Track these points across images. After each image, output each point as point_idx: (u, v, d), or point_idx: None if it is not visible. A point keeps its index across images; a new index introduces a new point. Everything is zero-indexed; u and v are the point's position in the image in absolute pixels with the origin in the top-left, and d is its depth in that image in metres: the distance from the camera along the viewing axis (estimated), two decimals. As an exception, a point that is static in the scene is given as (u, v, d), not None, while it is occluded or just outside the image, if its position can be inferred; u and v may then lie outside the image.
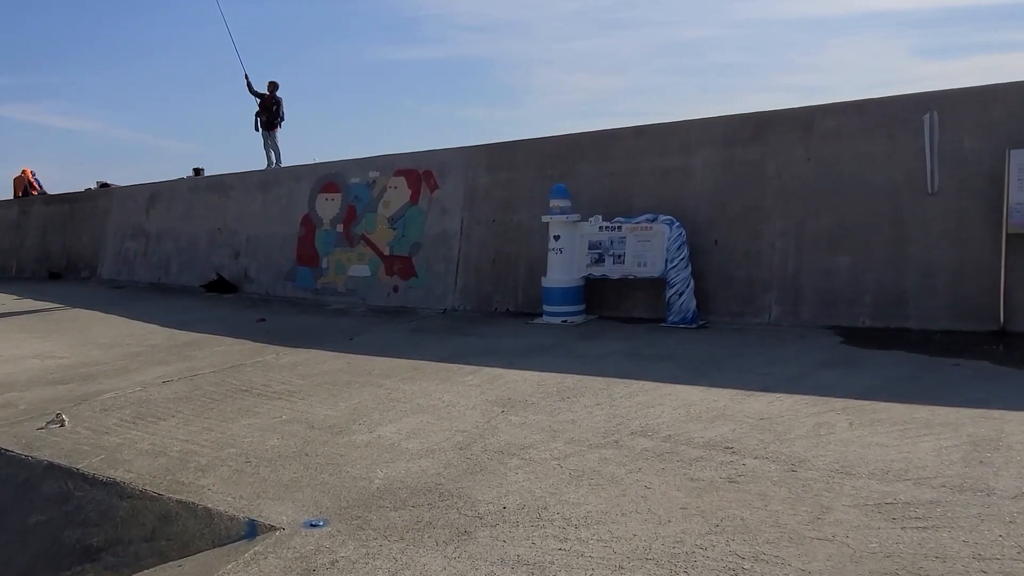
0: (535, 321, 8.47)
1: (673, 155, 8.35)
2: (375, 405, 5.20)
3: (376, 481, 3.74)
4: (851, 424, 4.15)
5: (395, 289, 10.47)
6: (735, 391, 5.00)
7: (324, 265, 11.38)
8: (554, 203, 8.38)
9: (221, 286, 12.34)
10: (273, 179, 12.34)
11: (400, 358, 6.78)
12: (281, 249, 11.97)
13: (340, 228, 11.25)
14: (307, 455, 4.20)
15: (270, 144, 13.15)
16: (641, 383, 5.35)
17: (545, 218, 8.47)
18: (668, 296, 7.77)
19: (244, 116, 13.08)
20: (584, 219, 8.41)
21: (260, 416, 5.08)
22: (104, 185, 16.70)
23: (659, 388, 5.19)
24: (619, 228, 8.17)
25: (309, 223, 11.68)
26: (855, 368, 5.50)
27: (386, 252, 10.64)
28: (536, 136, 9.55)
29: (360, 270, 10.92)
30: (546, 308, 8.42)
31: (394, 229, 10.60)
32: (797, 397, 4.76)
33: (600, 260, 8.26)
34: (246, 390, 5.85)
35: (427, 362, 6.53)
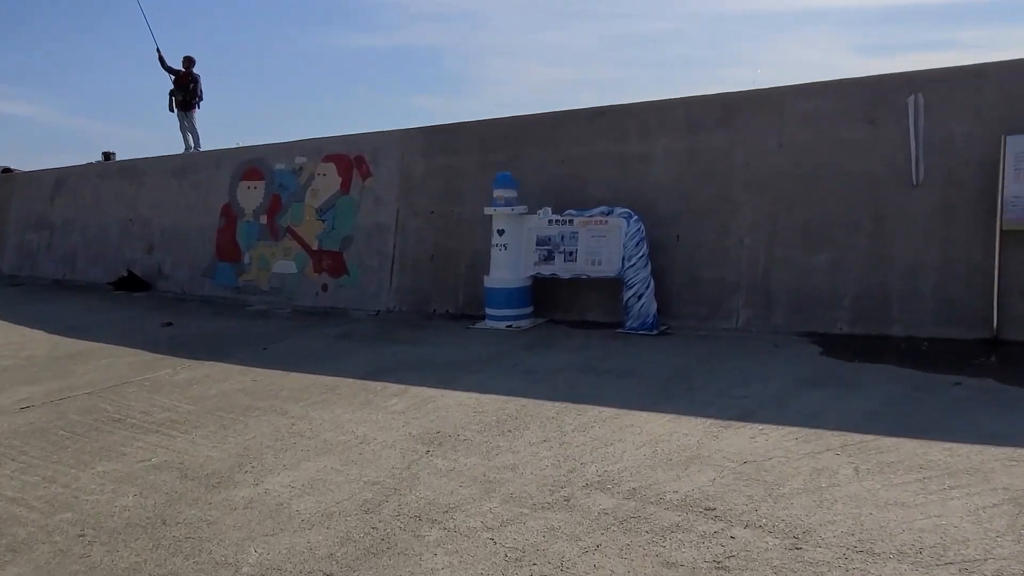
0: (477, 326, 7.54)
1: (632, 141, 7.50)
2: (272, 442, 4.21)
3: (245, 568, 2.77)
4: (856, 471, 3.35)
5: (324, 288, 9.41)
6: (709, 421, 4.17)
7: (246, 260, 10.24)
8: (498, 193, 7.46)
9: (132, 283, 11.09)
10: (190, 165, 11.12)
11: (317, 374, 5.79)
12: (199, 242, 10.78)
13: (263, 219, 10.12)
14: (165, 523, 3.21)
15: (187, 126, 11.87)
16: (597, 409, 4.48)
17: (488, 210, 7.54)
18: (626, 298, 6.93)
19: (161, 96, 11.68)
20: (532, 211, 7.51)
21: (124, 459, 4.05)
22: (7, 170, 15.13)
23: (619, 417, 4.33)
24: (570, 222, 7.30)
25: (230, 213, 10.52)
26: (844, 388, 4.73)
27: (314, 246, 9.58)
28: (479, 118, 8.61)
29: (285, 266, 9.83)
30: (489, 311, 7.50)
31: (323, 221, 9.53)
32: (784, 430, 3.95)
33: (550, 257, 7.37)
34: (119, 419, 4.79)
35: (347, 379, 5.56)
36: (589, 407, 4.54)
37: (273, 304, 9.62)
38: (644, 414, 4.37)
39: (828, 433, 3.86)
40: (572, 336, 6.88)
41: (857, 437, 3.78)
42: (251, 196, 10.29)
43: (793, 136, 6.72)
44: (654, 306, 6.88)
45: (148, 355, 6.77)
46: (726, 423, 4.12)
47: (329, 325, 8.11)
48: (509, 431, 4.18)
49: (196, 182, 10.98)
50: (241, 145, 10.61)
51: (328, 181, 9.55)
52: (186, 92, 11.70)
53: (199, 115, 11.97)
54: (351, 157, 9.40)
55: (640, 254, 6.90)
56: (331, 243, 9.42)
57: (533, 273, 7.44)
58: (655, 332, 6.78)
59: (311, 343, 7.17)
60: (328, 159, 9.59)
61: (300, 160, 9.86)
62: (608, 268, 7.06)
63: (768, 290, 6.73)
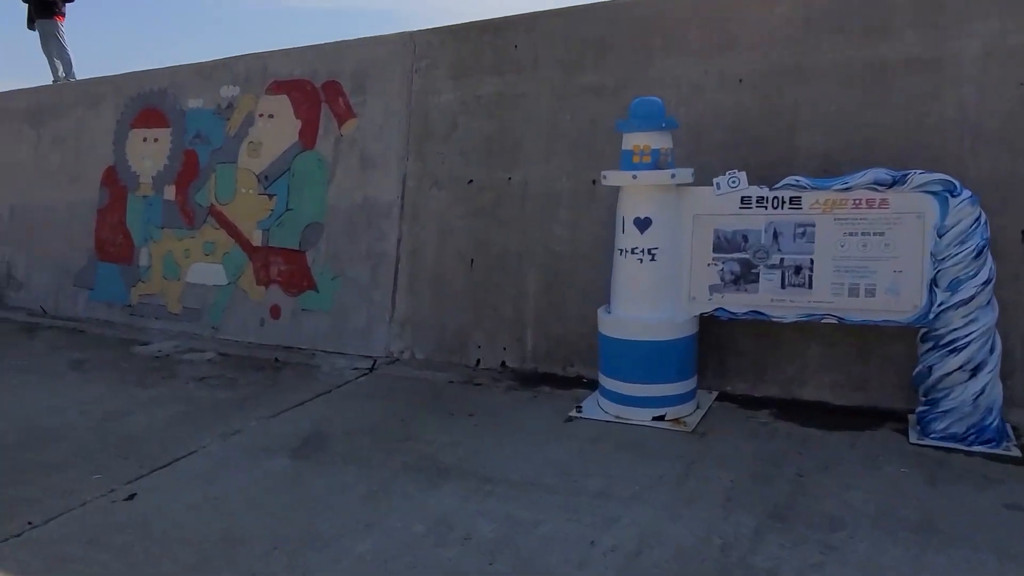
0: (585, 413, 3.71)
1: (898, 36, 3.67)
2: None
3: None
4: None
5: (274, 312, 5.45)
6: None
7: (143, 262, 6.19)
8: (638, 141, 3.55)
9: (-38, 296, 6.96)
10: (52, 104, 6.93)
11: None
12: (68, 231, 6.66)
13: (171, 193, 6.07)
14: None
15: (52, 44, 7.60)
16: None
17: (611, 176, 3.64)
18: (942, 371, 3.15)
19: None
20: (703, 181, 3.65)
21: None
22: None
23: None
24: (795, 201, 3.46)
25: (115, 182, 6.42)
26: None
27: (256, 240, 5.58)
28: (560, 5, 4.66)
29: (209, 273, 5.82)
30: (609, 381, 3.67)
31: (270, 196, 5.54)
32: None
33: (745, 276, 3.53)
34: None
35: None
36: None
37: (187, 340, 5.62)
38: None
39: None
40: (806, 449, 3.10)
41: None
42: (149, 154, 6.21)
43: None
44: (998, 391, 3.13)
45: None
46: None
47: (281, 399, 4.18)
48: None
49: (61, 132, 6.81)
50: (131, 71, 6.46)
51: (278, 127, 5.53)
52: (41, -9, 7.36)
53: (68, 27, 7.67)
54: (317, 85, 5.39)
55: (979, 276, 3.10)
56: (285, 235, 5.44)
57: (709, 309, 3.60)
58: (1009, 449, 3.05)
59: (233, 475, 3.24)
60: (278, 88, 5.56)
61: (230, 92, 5.80)
62: (896, 305, 3.25)
63: None
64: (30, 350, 5.51)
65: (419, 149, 4.97)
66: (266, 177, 5.55)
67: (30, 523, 2.80)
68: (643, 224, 3.53)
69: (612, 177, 3.60)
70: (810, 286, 3.40)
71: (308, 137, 5.39)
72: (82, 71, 7.70)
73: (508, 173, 4.66)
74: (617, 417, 3.62)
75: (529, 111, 4.60)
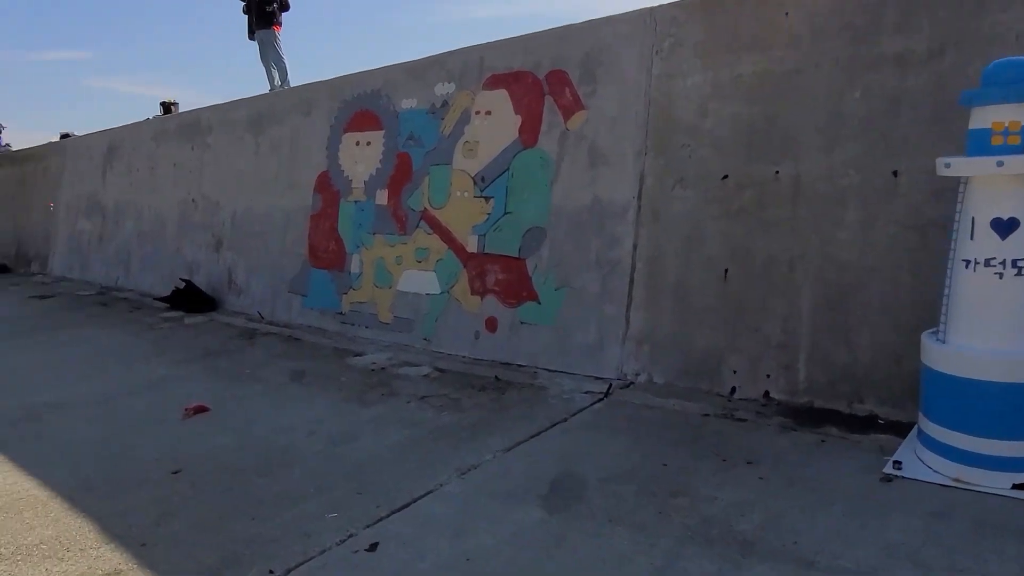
0: (902, 471, 2.87)
1: None
2: None
3: None
4: None
5: (490, 325, 5.02)
6: None
7: (354, 269, 6.05)
8: (1001, 117, 2.66)
9: (190, 300, 7.23)
10: (268, 112, 7.03)
11: None
12: (283, 236, 6.71)
13: (383, 198, 5.87)
14: None
15: (270, 54, 7.80)
16: None
17: (958, 165, 2.78)
18: None
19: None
20: (1092, 166, 2.69)
21: None
22: (65, 137, 11.87)
23: None
24: None
25: (328, 188, 6.35)
26: None
27: (471, 246, 5.20)
28: None
29: (421, 282, 5.53)
30: (939, 432, 2.80)
31: (487, 199, 5.13)
32: None
33: None
34: None
35: None
36: None
37: (398, 351, 5.35)
38: None
39: None
40: None
41: None
42: (362, 158, 6.06)
43: None
44: None
45: None
46: None
47: (513, 428, 3.69)
48: None
49: (278, 139, 6.88)
50: (344, 74, 6.35)
51: (496, 125, 5.12)
52: (261, 2, 7.55)
53: (285, 35, 7.82)
54: (540, 76, 4.90)
55: None
56: (503, 241, 5.01)
57: (1105, 342, 2.64)
58: None
59: (482, 527, 2.75)
60: (496, 82, 5.15)
61: (444, 89, 5.48)
62: None
63: None
64: (252, 358, 5.48)
65: (660, 142, 4.32)
66: (483, 178, 5.15)
67: (271, 572, 2.46)
68: (1006, 227, 2.65)
69: (960, 165, 2.74)
70: None
71: (529, 133, 4.92)
72: (295, 79, 7.84)
73: (775, 167, 3.88)
74: (956, 480, 2.76)
75: (804, 91, 3.80)
